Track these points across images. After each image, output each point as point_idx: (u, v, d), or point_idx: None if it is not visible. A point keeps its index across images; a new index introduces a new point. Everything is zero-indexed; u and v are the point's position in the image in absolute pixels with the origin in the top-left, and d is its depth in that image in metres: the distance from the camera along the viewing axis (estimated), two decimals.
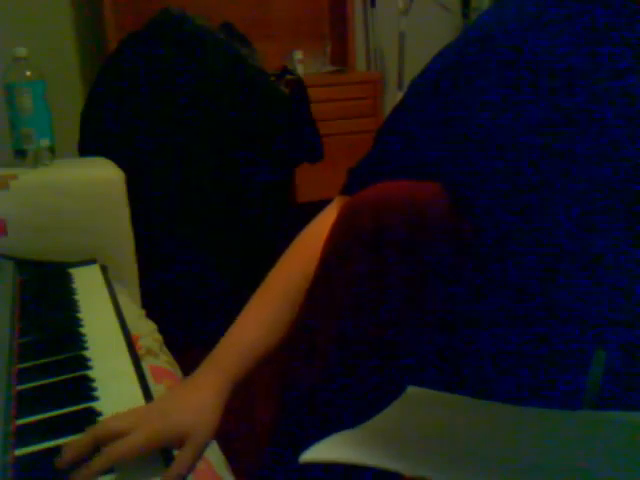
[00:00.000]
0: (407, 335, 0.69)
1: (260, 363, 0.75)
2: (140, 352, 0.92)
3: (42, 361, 0.83)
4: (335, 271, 0.71)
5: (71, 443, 0.63)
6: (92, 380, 0.78)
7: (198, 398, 0.69)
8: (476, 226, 0.70)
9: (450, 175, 0.72)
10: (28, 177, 1.26)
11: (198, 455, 0.66)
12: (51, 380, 0.79)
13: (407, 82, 0.78)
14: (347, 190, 0.81)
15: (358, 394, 0.70)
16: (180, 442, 0.65)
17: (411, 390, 0.66)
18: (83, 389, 0.76)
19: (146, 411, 0.69)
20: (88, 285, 1.12)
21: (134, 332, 0.96)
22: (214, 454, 0.72)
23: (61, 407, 0.72)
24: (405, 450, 0.59)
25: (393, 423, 0.63)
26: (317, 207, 0.84)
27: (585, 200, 0.65)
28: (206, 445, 0.67)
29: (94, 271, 1.20)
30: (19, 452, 0.65)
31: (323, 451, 0.58)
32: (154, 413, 0.68)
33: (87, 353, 0.85)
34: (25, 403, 0.74)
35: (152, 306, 1.27)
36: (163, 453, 0.65)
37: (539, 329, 0.69)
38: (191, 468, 0.64)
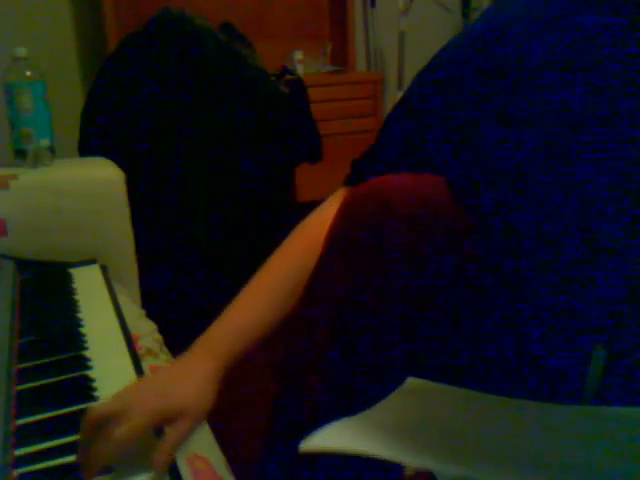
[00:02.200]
0: (407, 327, 0.69)
1: (253, 347, 0.75)
2: (140, 352, 0.92)
3: (42, 361, 0.83)
4: (336, 262, 0.71)
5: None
6: (92, 380, 0.78)
7: (193, 378, 0.70)
8: (478, 220, 0.70)
9: (453, 170, 0.72)
10: (28, 177, 1.26)
11: (189, 433, 0.66)
12: (51, 380, 0.79)
13: (407, 82, 0.78)
14: (350, 181, 0.81)
15: (357, 386, 0.70)
16: (175, 419, 0.66)
17: (411, 381, 0.67)
18: (83, 389, 0.76)
19: (140, 391, 0.69)
20: (88, 285, 1.12)
21: (134, 332, 0.96)
22: (214, 454, 0.72)
23: (61, 407, 0.72)
24: (405, 441, 0.59)
25: (392, 413, 0.63)
26: (317, 206, 0.84)
27: (590, 200, 0.65)
28: (199, 423, 0.68)
29: (94, 271, 1.20)
30: (19, 452, 0.65)
31: (323, 440, 0.58)
32: (149, 393, 0.68)
33: (87, 353, 0.85)
34: (25, 403, 0.74)
35: (152, 306, 1.27)
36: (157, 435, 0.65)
37: (540, 326, 0.69)
38: (181, 443, 0.65)
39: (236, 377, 0.75)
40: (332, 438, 0.59)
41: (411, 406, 0.65)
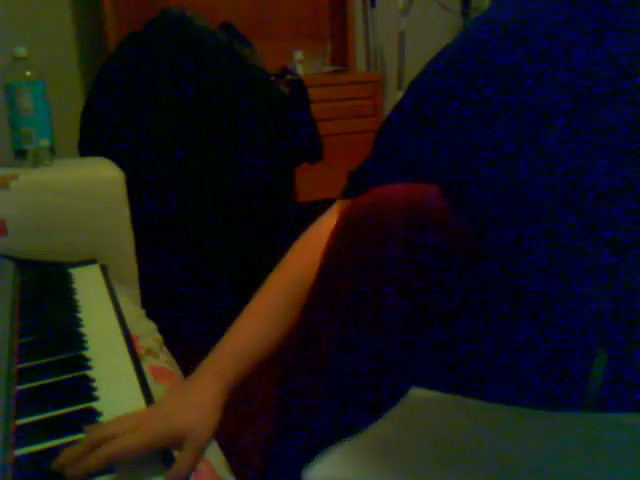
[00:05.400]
0: (408, 338, 0.69)
1: (257, 366, 0.75)
2: (140, 352, 0.92)
3: (42, 361, 0.83)
4: (335, 275, 0.71)
5: (69, 448, 0.63)
6: (92, 380, 0.78)
7: (197, 400, 0.69)
8: (474, 228, 0.70)
9: (448, 178, 0.72)
10: (28, 177, 1.26)
11: (198, 455, 0.66)
12: (51, 380, 0.79)
13: (407, 82, 0.78)
14: (347, 194, 0.81)
15: (359, 396, 0.70)
16: (180, 443, 0.65)
17: (414, 392, 0.67)
18: (83, 389, 0.76)
19: (146, 414, 0.69)
20: (88, 285, 1.12)
21: (134, 332, 0.96)
22: (214, 455, 0.72)
23: (61, 407, 0.72)
24: (407, 465, 0.59)
25: (395, 432, 0.63)
26: (317, 207, 0.84)
27: (586, 203, 0.65)
28: (206, 446, 0.68)
29: (94, 271, 1.20)
30: (19, 452, 0.65)
31: (327, 469, 0.58)
32: (154, 415, 0.68)
33: (87, 353, 0.85)
34: (25, 403, 0.74)
35: (152, 306, 1.27)
36: (162, 453, 0.65)
37: (540, 331, 0.68)
38: (192, 468, 0.64)
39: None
40: (335, 466, 0.59)
41: (413, 420, 0.65)
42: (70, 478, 0.60)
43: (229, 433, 0.74)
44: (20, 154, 1.30)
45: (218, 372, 0.72)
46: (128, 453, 0.62)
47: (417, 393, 0.66)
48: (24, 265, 1.18)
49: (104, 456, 0.61)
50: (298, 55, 2.75)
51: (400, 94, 0.79)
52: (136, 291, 1.38)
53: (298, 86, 2.15)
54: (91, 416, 0.71)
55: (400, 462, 0.59)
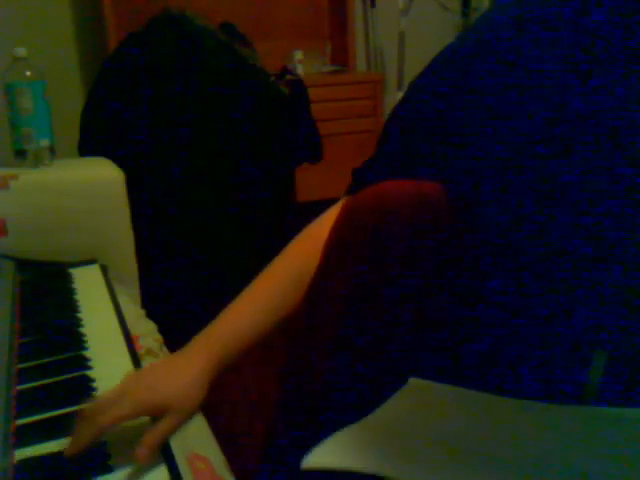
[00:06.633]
0: (408, 331, 0.69)
1: (250, 348, 0.76)
2: (140, 352, 0.92)
3: (42, 361, 0.84)
4: (336, 268, 0.72)
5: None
6: (92, 380, 0.78)
7: (185, 374, 0.71)
8: (476, 224, 0.70)
9: (450, 176, 0.72)
10: (28, 177, 1.26)
11: (176, 427, 0.68)
12: (51, 380, 0.79)
13: (407, 82, 0.78)
14: (352, 191, 0.81)
15: (358, 389, 0.70)
16: (163, 413, 0.67)
17: (413, 382, 0.67)
18: (83, 389, 0.76)
19: (134, 382, 0.71)
20: (88, 285, 1.12)
21: (134, 332, 0.96)
22: (214, 454, 0.72)
23: (61, 407, 0.72)
24: (406, 454, 0.59)
25: (394, 421, 0.63)
26: (317, 207, 0.84)
27: (586, 201, 0.65)
28: (187, 420, 0.70)
29: (94, 271, 1.20)
30: (19, 452, 0.65)
31: (325, 456, 0.59)
32: (141, 384, 0.70)
33: (87, 353, 0.85)
34: (25, 403, 0.74)
35: (152, 306, 1.27)
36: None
37: (539, 329, 0.69)
38: (165, 438, 0.66)
39: (239, 382, 0.75)
40: (333, 454, 0.59)
41: (410, 408, 0.65)
42: (69, 456, 0.63)
43: (228, 430, 0.74)
44: (20, 154, 1.30)
45: (210, 350, 0.74)
46: (116, 421, 0.64)
47: (416, 383, 0.67)
48: (24, 265, 1.18)
49: (93, 426, 0.63)
50: (298, 55, 2.75)
51: (400, 94, 0.79)
52: (136, 291, 1.38)
53: (298, 86, 2.15)
54: None
55: (398, 450, 0.60)
